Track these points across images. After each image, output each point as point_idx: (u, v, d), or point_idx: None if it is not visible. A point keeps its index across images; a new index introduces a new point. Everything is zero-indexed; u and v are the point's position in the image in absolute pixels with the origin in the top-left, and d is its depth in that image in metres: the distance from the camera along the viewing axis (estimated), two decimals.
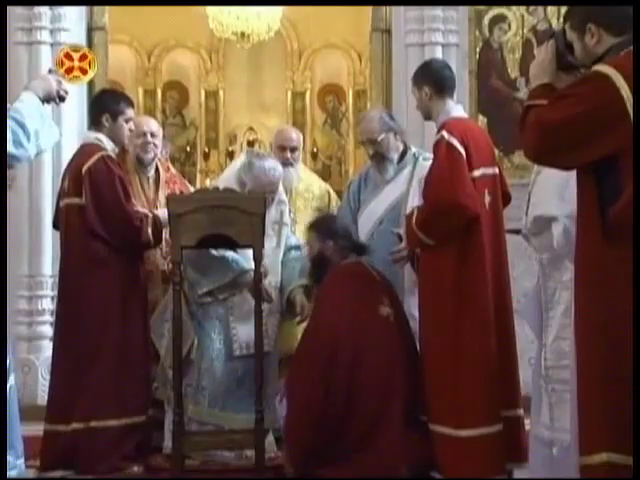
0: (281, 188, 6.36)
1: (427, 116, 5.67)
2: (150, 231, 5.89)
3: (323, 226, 5.93)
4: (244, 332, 5.99)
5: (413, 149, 6.20)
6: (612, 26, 3.96)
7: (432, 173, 5.40)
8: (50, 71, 5.38)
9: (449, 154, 5.34)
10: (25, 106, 4.73)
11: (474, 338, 5.18)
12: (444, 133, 5.39)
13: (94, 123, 6.04)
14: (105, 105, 6.02)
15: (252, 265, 5.63)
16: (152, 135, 6.38)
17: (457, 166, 5.30)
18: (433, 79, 5.59)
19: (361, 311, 5.49)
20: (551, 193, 4.60)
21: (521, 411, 5.37)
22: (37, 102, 4.82)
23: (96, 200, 5.78)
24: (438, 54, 7.86)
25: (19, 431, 5.14)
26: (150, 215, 5.94)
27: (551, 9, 8.04)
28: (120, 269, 5.87)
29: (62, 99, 5.08)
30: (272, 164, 6.27)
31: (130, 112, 6.03)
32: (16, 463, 5.08)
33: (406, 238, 5.51)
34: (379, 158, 6.10)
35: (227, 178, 6.39)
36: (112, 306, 5.83)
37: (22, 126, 4.63)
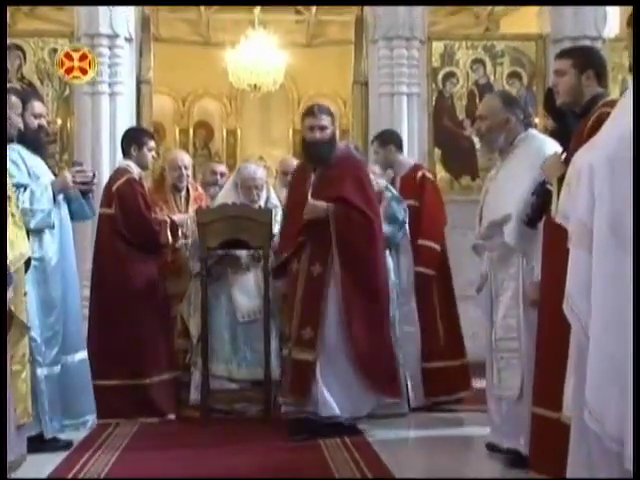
0: (273, 192, 6.35)
1: (389, 165, 6.22)
2: (169, 232, 5.91)
3: None
4: (244, 304, 6.02)
5: None
6: (602, 79, 3.96)
7: (429, 202, 6.07)
8: (74, 164, 5.52)
9: (436, 187, 6.29)
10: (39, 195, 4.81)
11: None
12: (425, 172, 6.27)
13: (125, 153, 6.04)
14: (132, 139, 6.04)
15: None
16: (185, 168, 6.44)
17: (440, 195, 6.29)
18: (396, 140, 6.35)
19: None
20: (500, 198, 4.58)
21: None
22: (48, 195, 4.84)
23: (122, 210, 5.82)
24: (404, 102, 7.92)
25: (91, 394, 5.20)
26: (168, 220, 5.97)
27: (490, 67, 8.08)
28: (139, 263, 5.87)
29: (84, 184, 5.08)
30: (253, 166, 6.39)
31: (151, 143, 6.04)
32: (88, 418, 5.15)
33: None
34: None
35: (226, 187, 6.41)
36: (133, 291, 5.80)
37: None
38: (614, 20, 7.92)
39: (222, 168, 7.05)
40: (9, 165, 4.50)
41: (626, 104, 3.09)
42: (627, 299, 2.86)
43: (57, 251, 4.92)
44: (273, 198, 6.30)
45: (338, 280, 5.19)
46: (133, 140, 6.00)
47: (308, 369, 5.16)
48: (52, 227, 4.88)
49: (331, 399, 5.14)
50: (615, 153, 2.93)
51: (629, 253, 2.87)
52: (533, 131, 4.72)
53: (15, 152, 4.76)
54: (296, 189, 5.52)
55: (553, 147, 4.34)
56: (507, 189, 4.51)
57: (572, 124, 3.97)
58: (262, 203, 6.13)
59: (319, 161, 5.35)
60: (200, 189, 6.77)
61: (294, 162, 7.09)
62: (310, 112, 5.38)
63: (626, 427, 2.78)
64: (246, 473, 4.46)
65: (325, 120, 5.32)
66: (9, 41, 7.65)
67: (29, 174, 4.83)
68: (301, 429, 5.13)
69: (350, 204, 5.22)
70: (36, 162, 4.96)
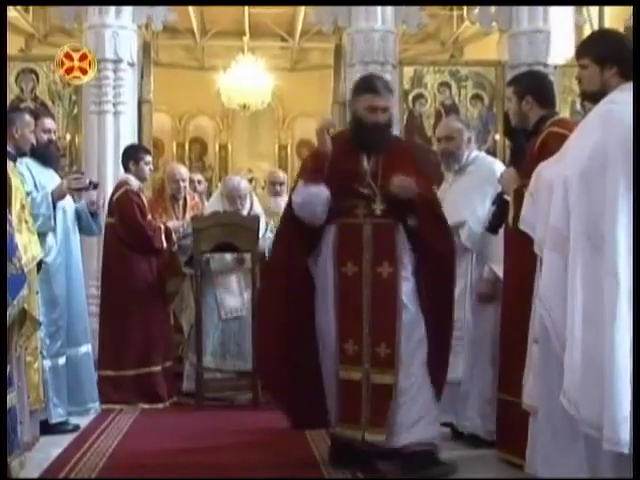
0: (256, 201, 6.29)
1: None
2: (163, 237, 5.91)
3: None
4: (227, 301, 6.03)
5: None
6: (543, 101, 3.98)
7: None
8: (74, 173, 5.56)
9: None
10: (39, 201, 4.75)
11: None
12: None
13: (125, 168, 6.06)
14: (130, 155, 6.05)
15: None
16: (182, 180, 6.46)
17: None
18: None
19: None
20: (457, 206, 4.59)
21: None
22: (47, 201, 4.78)
23: (121, 219, 5.84)
24: None
25: (94, 384, 5.24)
26: (162, 226, 5.98)
27: (455, 90, 8.11)
28: (139, 264, 5.88)
29: (79, 189, 5.03)
30: (237, 178, 6.35)
31: (148, 157, 6.04)
32: (91, 405, 5.15)
33: None
34: None
35: (213, 197, 6.42)
36: (135, 288, 5.82)
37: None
38: (567, 46, 7.98)
39: (198, 176, 7.31)
40: (19, 177, 4.48)
41: (590, 124, 3.13)
42: (602, 299, 2.90)
43: (59, 253, 4.93)
44: (256, 207, 6.27)
45: (411, 280, 3.98)
46: (131, 156, 6.02)
47: (388, 394, 3.89)
48: (53, 230, 4.88)
49: (412, 426, 3.92)
50: (587, 168, 2.98)
51: (604, 255, 2.90)
52: (482, 153, 4.94)
53: (24, 165, 4.78)
54: (342, 168, 4.01)
55: (500, 166, 4.49)
56: (462, 199, 4.59)
57: (524, 143, 4.02)
58: (245, 212, 6.10)
59: (379, 148, 4.04)
60: (197, 197, 6.79)
61: (281, 174, 7.15)
62: (372, 88, 4.00)
63: (602, 415, 2.83)
64: (240, 453, 4.47)
65: (389, 100, 4.04)
66: (24, 65, 7.69)
67: (35, 184, 4.84)
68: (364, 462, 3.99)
69: (427, 197, 4.10)
70: (45, 173, 4.97)
